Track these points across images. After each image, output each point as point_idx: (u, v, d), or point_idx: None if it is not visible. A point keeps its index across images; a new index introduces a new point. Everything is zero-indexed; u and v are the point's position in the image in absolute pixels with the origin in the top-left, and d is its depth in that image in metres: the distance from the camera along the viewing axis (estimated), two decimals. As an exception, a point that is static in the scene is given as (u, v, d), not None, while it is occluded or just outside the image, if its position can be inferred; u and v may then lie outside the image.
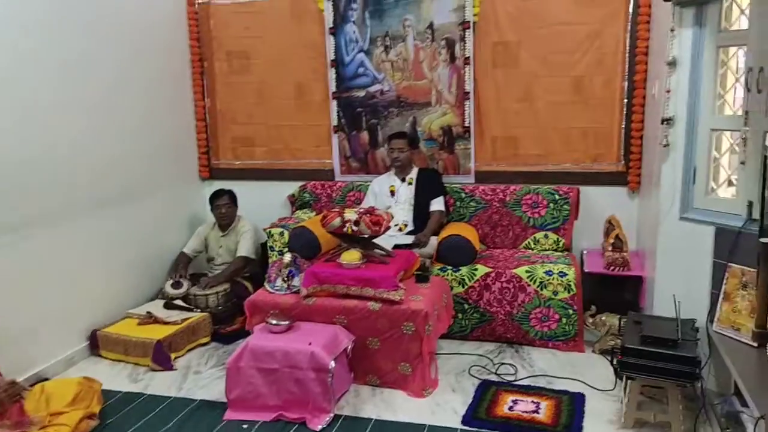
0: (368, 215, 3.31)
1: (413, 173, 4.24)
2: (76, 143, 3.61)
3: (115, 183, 3.96)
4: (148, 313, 3.84)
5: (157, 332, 3.62)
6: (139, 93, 4.15)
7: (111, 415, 3.01)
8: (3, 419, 2.58)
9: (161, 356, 3.52)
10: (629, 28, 3.91)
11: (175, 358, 3.61)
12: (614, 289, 3.78)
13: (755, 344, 2.49)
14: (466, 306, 3.74)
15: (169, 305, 3.98)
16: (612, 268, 3.69)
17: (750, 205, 2.71)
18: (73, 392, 2.83)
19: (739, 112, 2.88)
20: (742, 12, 2.88)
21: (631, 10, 3.89)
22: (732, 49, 2.99)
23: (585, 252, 4.11)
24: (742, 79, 2.86)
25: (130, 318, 3.88)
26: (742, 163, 2.80)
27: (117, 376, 3.47)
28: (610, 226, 3.93)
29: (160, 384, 3.36)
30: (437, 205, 4.13)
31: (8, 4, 3.17)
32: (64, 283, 3.55)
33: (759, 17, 2.68)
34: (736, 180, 2.99)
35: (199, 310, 3.94)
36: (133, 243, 4.13)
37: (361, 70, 4.45)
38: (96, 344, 3.72)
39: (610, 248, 3.77)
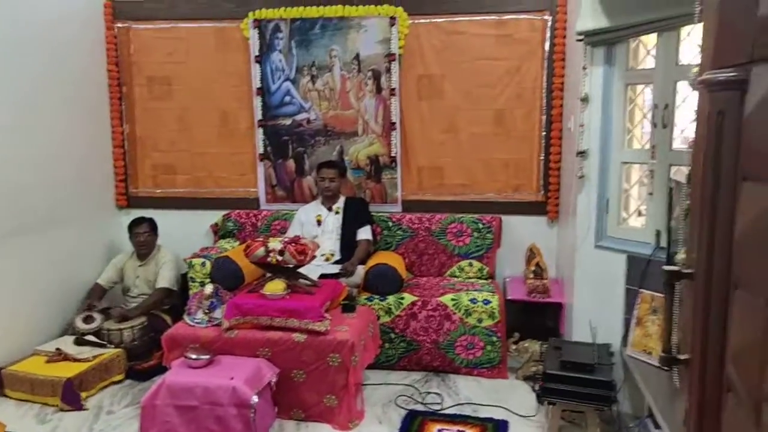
0: (293, 245, 3.27)
1: (340, 202, 4.22)
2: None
3: (25, 211, 3.73)
4: (57, 349, 3.61)
5: (67, 370, 3.42)
6: (52, 117, 3.96)
7: (14, 461, 2.81)
8: None
9: (71, 395, 3.31)
10: (546, 65, 4.09)
11: (86, 397, 3.41)
12: (536, 316, 3.87)
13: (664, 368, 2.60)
14: (393, 335, 3.73)
15: (80, 341, 3.75)
16: (533, 295, 3.78)
17: (658, 233, 2.86)
18: (-27, 436, 2.63)
19: (647, 146, 3.05)
20: (648, 52, 3.07)
21: (547, 48, 4.08)
22: (639, 87, 3.17)
23: (508, 279, 4.20)
24: (649, 115, 3.04)
25: (37, 355, 3.64)
26: (650, 194, 2.97)
27: (23, 417, 3.26)
28: (531, 254, 4.05)
29: (69, 425, 3.17)
30: (364, 234, 4.13)
31: None
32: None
33: (663, 58, 2.88)
34: (645, 210, 3.15)
35: (112, 346, 3.73)
36: (44, 275, 3.89)
37: (287, 98, 4.43)
38: (1, 383, 3.48)
39: (531, 276, 3.87)
